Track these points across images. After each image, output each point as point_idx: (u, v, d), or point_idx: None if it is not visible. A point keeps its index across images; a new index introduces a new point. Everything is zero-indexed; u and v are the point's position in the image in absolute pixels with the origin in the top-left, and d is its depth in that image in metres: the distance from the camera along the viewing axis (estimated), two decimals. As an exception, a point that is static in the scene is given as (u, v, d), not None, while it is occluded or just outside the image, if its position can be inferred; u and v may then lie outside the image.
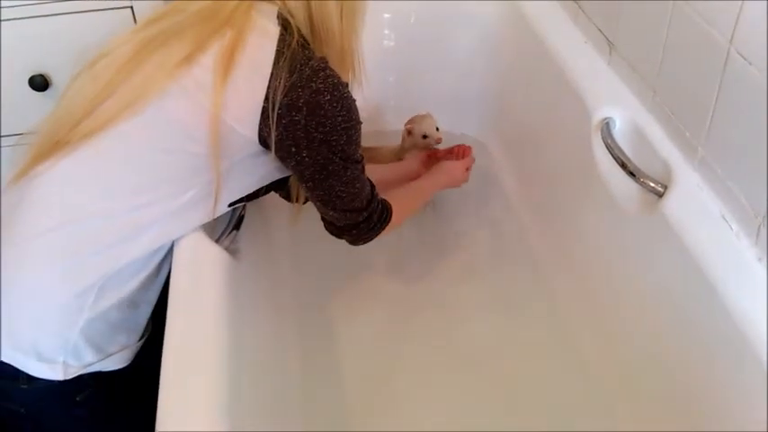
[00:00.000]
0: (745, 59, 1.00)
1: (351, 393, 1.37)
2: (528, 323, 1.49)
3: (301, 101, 1.00)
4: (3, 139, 1.68)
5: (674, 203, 1.15)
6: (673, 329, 1.16)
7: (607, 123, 1.33)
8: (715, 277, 1.03)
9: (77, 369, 1.06)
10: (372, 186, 1.19)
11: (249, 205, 1.27)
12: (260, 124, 1.02)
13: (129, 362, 1.13)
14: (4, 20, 1.54)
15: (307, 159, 1.05)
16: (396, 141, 1.74)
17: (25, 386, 1.05)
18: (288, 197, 1.33)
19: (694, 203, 1.13)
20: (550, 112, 1.62)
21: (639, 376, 1.28)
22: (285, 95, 1.00)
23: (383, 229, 1.24)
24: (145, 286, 1.11)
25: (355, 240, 1.22)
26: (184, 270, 1.09)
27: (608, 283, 1.39)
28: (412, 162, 1.63)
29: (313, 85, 1.01)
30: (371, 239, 1.24)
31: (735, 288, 1.01)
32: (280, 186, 1.22)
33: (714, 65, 1.06)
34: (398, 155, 1.69)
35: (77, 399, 1.10)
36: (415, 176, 1.58)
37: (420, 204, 1.48)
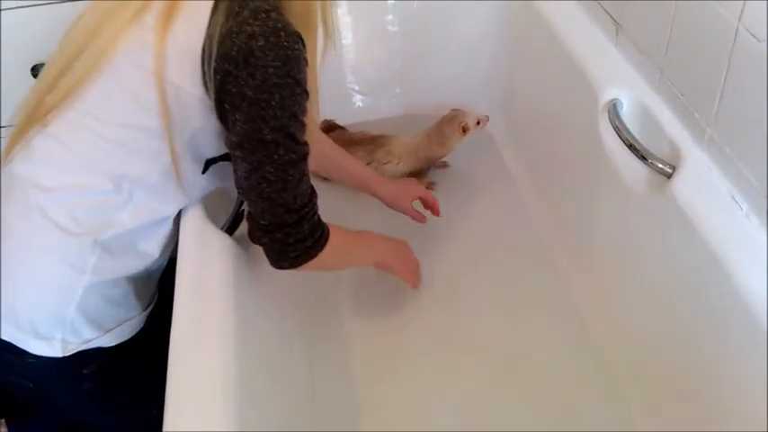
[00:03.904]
0: (754, 37, 0.98)
1: (358, 379, 1.37)
2: (537, 307, 1.49)
3: (235, 48, 0.90)
4: (4, 129, 1.67)
5: (682, 184, 1.14)
6: (683, 310, 1.15)
7: (614, 105, 1.32)
8: (725, 258, 1.02)
9: (77, 345, 1.07)
10: (314, 193, 1.05)
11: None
12: (203, 80, 0.94)
13: (129, 336, 1.13)
14: (6, 9, 1.53)
15: (239, 124, 0.94)
16: (401, 128, 1.74)
17: (32, 360, 1.05)
18: None
19: (703, 184, 1.12)
20: (557, 95, 1.60)
21: (650, 357, 1.27)
22: (220, 44, 0.90)
23: (313, 252, 1.06)
24: (144, 262, 1.11)
25: (278, 251, 1.04)
26: (190, 255, 1.09)
27: (617, 265, 1.38)
28: (403, 190, 1.52)
29: (248, 28, 0.90)
30: (296, 262, 1.05)
31: (745, 268, 1.00)
32: None
33: (722, 43, 1.05)
34: (416, 150, 1.68)
35: (84, 372, 1.10)
36: (391, 202, 1.50)
37: (359, 261, 1.32)
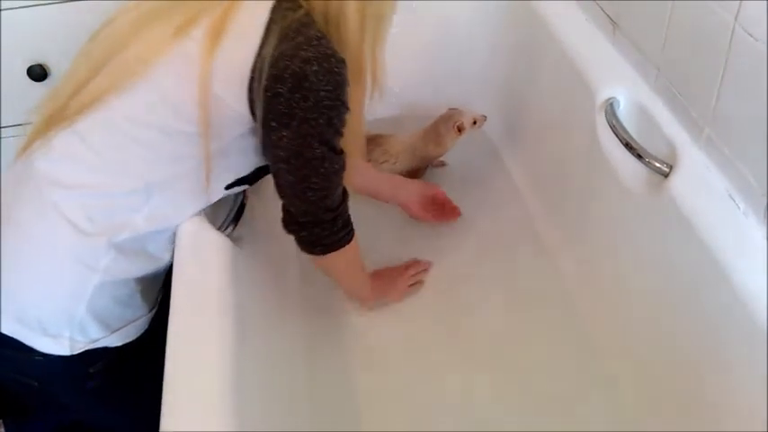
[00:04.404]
0: (751, 36, 0.98)
1: (357, 379, 1.37)
2: (536, 307, 1.48)
3: (288, 72, 0.94)
4: (2, 129, 1.67)
5: (680, 183, 1.14)
6: (682, 309, 1.15)
7: (611, 104, 1.31)
8: (723, 256, 1.02)
9: (84, 344, 1.07)
10: (346, 193, 1.13)
11: (250, 194, 1.26)
12: (249, 97, 0.98)
13: (135, 337, 1.14)
14: (3, 9, 1.53)
15: (285, 140, 0.99)
16: (399, 128, 1.73)
17: (40, 358, 1.06)
18: None
19: (701, 183, 1.12)
20: (554, 93, 1.60)
21: (649, 356, 1.27)
22: (272, 65, 0.94)
23: (343, 243, 1.17)
24: (155, 265, 1.12)
25: (312, 242, 1.14)
26: (187, 257, 1.09)
27: (615, 264, 1.38)
28: (412, 193, 1.60)
29: (302, 53, 0.94)
30: (326, 249, 1.16)
31: (743, 267, 1.00)
32: None
33: (719, 42, 1.05)
34: (413, 150, 1.67)
35: (90, 371, 1.11)
36: (409, 201, 1.58)
37: (360, 277, 1.38)
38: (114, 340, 1.11)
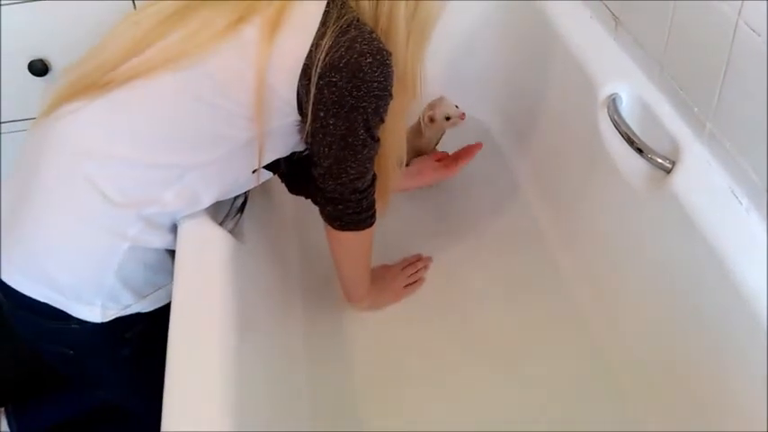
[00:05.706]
0: (754, 32, 0.98)
1: (357, 376, 1.37)
2: (536, 304, 1.48)
3: (343, 62, 0.99)
4: (3, 125, 1.67)
5: (682, 179, 1.14)
6: (683, 306, 1.15)
7: (614, 99, 1.31)
8: (725, 252, 1.02)
9: (116, 311, 1.09)
10: (375, 177, 1.17)
11: (252, 189, 1.26)
12: (298, 84, 1.01)
13: (166, 302, 1.14)
14: (4, 4, 1.53)
15: (331, 127, 1.04)
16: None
17: (76, 326, 1.07)
18: (309, 195, 1.32)
19: (703, 179, 1.12)
20: (556, 90, 1.60)
21: (649, 355, 1.27)
22: (327, 54, 0.99)
23: (363, 225, 1.20)
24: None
25: (336, 217, 1.18)
26: (188, 252, 1.08)
27: (616, 260, 1.38)
28: (421, 165, 1.62)
29: (357, 46, 0.99)
30: (346, 227, 1.20)
31: (744, 263, 1.00)
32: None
33: (722, 38, 1.05)
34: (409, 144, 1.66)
35: (126, 336, 1.12)
36: (423, 174, 1.59)
37: (355, 266, 1.36)
38: (146, 305, 1.12)
